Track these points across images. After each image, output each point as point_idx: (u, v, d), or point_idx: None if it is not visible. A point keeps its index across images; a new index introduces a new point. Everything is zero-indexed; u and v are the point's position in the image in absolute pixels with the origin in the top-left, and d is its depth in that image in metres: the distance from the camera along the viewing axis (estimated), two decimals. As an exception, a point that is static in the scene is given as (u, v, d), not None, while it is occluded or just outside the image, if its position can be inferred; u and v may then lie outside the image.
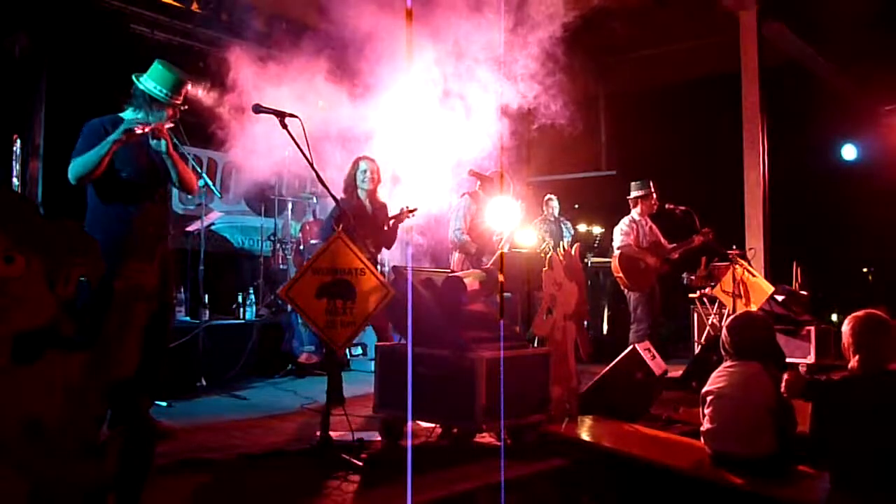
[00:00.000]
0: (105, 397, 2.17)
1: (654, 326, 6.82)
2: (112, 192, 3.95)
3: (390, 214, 5.51)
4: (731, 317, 3.80)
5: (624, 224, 6.96)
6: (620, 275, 6.82)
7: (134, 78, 4.04)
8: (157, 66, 4.04)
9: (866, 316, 3.20)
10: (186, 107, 4.21)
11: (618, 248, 6.88)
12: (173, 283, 4.24)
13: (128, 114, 4.05)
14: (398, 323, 4.64)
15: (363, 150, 5.88)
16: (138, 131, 3.84)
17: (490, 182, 6.01)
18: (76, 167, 3.85)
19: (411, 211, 5.48)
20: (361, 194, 5.45)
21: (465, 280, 4.38)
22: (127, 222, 3.86)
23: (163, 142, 3.94)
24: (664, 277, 7.12)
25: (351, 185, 5.44)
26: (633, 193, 7.05)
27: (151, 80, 4.01)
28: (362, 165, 5.43)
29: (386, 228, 5.44)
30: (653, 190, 7.00)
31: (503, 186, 6.06)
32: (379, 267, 5.58)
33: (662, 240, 7.06)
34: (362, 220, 5.27)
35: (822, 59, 9.27)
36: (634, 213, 7.02)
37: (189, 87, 4.17)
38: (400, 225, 5.50)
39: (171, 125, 4.11)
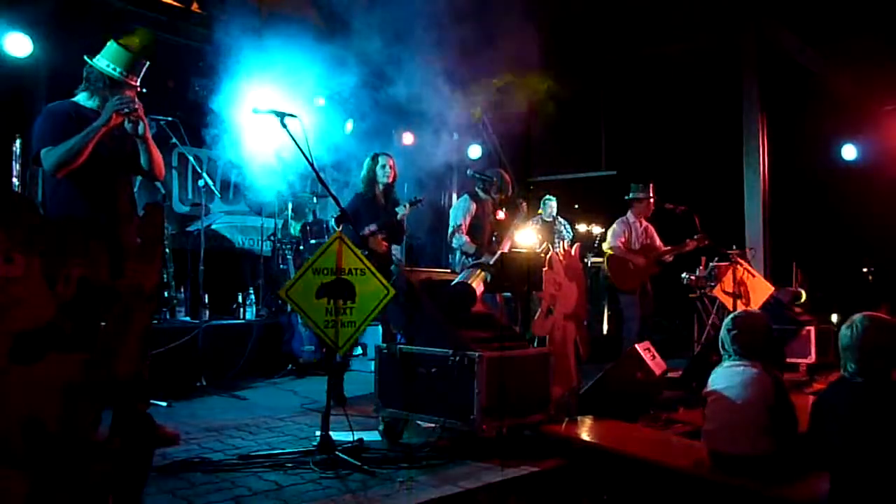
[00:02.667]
0: (105, 397, 2.17)
1: (645, 326, 6.86)
2: (73, 173, 3.65)
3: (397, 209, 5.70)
4: (732, 316, 3.76)
5: (616, 225, 7.09)
6: (609, 275, 7.01)
7: (86, 58, 3.81)
8: (111, 45, 3.81)
9: (867, 318, 3.17)
10: (145, 90, 3.92)
11: (608, 249, 7.01)
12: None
13: (81, 97, 3.83)
14: (398, 322, 4.64)
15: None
16: (126, 111, 3.63)
17: (491, 182, 6.01)
18: (57, 156, 3.57)
19: (418, 201, 5.67)
20: (379, 189, 5.64)
21: (471, 283, 4.38)
22: (84, 204, 3.64)
23: (140, 125, 3.72)
24: (663, 277, 7.14)
25: (371, 180, 5.62)
26: (631, 195, 7.15)
27: (105, 59, 3.77)
28: (381, 160, 5.65)
29: (399, 218, 5.64)
30: (650, 194, 7.09)
31: (503, 186, 6.06)
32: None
33: (657, 242, 7.12)
34: (378, 215, 5.53)
35: (822, 59, 9.26)
36: (629, 214, 7.10)
37: (147, 65, 3.89)
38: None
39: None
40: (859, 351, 3.07)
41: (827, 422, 3.13)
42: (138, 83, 3.86)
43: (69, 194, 3.69)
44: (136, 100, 3.75)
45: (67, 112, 3.72)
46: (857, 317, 3.16)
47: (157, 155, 3.92)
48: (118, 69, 3.77)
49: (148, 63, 3.90)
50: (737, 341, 3.61)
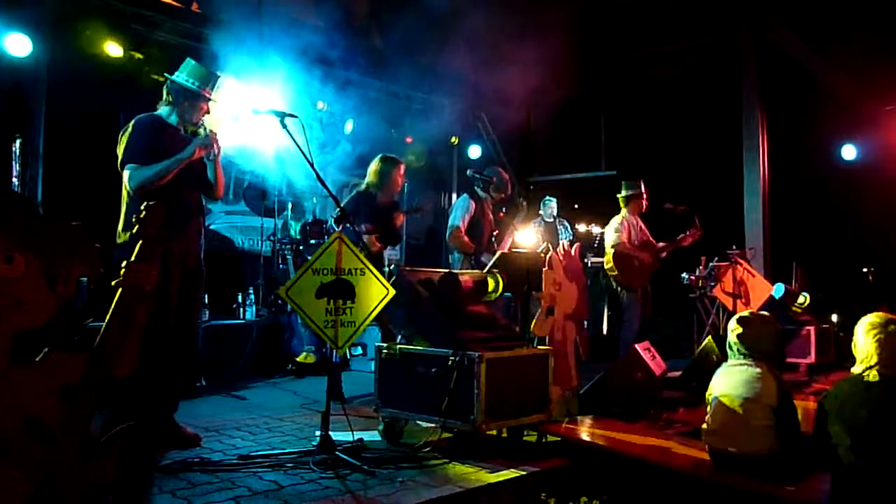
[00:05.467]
0: (105, 397, 2.17)
1: (644, 326, 6.84)
2: (152, 196, 3.81)
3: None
4: (741, 317, 3.75)
5: (616, 222, 6.99)
6: (616, 273, 6.85)
7: (167, 75, 4.10)
8: (188, 62, 4.10)
9: (883, 320, 3.17)
10: (218, 102, 4.23)
11: (612, 246, 6.89)
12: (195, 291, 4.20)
13: (163, 111, 4.08)
14: (398, 322, 4.64)
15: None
16: (210, 148, 3.96)
17: (490, 182, 6.02)
18: (141, 179, 3.82)
19: (419, 209, 5.69)
20: (390, 195, 5.72)
21: (461, 278, 4.39)
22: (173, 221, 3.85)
23: (213, 149, 4.00)
24: (663, 277, 7.13)
25: (384, 185, 5.67)
26: (623, 193, 7.08)
27: (183, 75, 4.06)
28: (402, 169, 5.73)
29: (396, 224, 5.68)
30: (643, 190, 7.02)
31: (502, 185, 6.07)
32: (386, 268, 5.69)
33: (651, 239, 7.11)
34: (377, 216, 5.58)
35: (822, 59, 9.26)
36: (625, 212, 7.04)
37: (219, 79, 4.19)
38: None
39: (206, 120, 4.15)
40: (879, 347, 3.06)
41: (833, 421, 3.13)
42: (213, 95, 4.13)
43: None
44: (216, 136, 4.04)
45: (154, 126, 3.98)
46: (872, 317, 3.15)
47: (221, 175, 4.21)
48: (196, 83, 4.04)
49: (220, 77, 4.20)
50: (743, 340, 3.61)
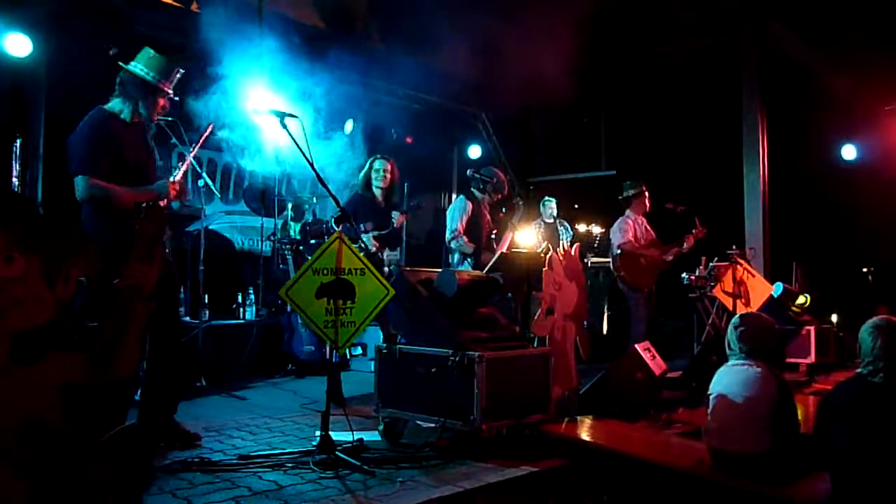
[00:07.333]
0: (105, 398, 2.17)
1: (652, 326, 6.82)
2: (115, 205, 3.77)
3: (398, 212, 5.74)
4: (740, 317, 3.76)
5: (621, 222, 6.97)
6: (623, 273, 6.80)
7: (121, 64, 3.89)
8: (146, 51, 3.89)
9: (887, 322, 3.16)
10: (177, 98, 4.02)
11: (618, 247, 6.86)
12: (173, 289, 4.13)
13: (115, 104, 3.88)
14: (398, 322, 4.64)
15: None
16: (168, 198, 3.86)
17: (488, 182, 6.02)
18: (94, 194, 3.69)
19: (417, 207, 5.68)
20: (377, 192, 5.67)
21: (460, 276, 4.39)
22: (125, 231, 3.67)
23: (171, 198, 3.89)
24: (663, 277, 7.12)
25: (367, 182, 5.68)
26: (626, 193, 7.07)
27: (139, 64, 3.86)
28: (376, 164, 5.67)
29: (395, 225, 5.67)
30: (644, 189, 7.01)
31: (499, 185, 6.07)
32: (386, 268, 5.67)
33: (657, 239, 7.08)
34: (375, 217, 5.57)
35: (822, 58, 9.26)
36: (628, 212, 7.03)
37: (180, 73, 3.97)
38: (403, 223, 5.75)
39: (163, 118, 3.98)
40: (886, 350, 3.06)
41: (835, 421, 3.13)
42: (171, 89, 3.92)
43: (112, 223, 3.73)
44: (175, 185, 3.88)
45: (105, 127, 3.77)
46: (879, 320, 3.16)
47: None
48: (151, 74, 3.84)
49: (182, 71, 3.97)
50: (743, 340, 3.61)
